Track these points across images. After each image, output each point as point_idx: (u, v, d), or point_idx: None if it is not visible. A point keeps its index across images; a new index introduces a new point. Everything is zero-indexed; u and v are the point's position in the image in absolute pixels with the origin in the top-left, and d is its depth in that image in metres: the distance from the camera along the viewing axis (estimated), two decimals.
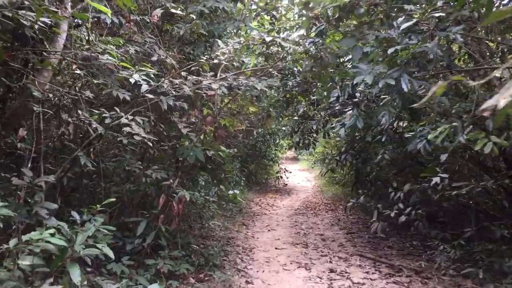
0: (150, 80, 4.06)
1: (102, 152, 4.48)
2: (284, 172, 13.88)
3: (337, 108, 6.89)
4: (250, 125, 6.89)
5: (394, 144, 6.11)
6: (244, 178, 13.01)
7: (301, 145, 9.07)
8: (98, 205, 3.37)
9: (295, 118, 8.07)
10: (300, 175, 19.27)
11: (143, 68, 4.04)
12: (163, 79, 4.16)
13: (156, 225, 4.43)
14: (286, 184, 14.03)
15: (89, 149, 3.94)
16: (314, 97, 8.20)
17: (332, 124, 7.21)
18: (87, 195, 4.74)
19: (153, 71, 4.13)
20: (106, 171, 4.53)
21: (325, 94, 6.73)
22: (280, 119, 9.94)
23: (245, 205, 10.35)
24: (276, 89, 6.33)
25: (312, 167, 17.52)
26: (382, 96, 5.31)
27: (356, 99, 5.47)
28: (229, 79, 4.45)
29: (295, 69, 5.65)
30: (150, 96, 4.18)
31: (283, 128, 10.12)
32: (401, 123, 6.04)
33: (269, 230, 7.61)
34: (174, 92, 4.24)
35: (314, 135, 8.31)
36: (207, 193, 6.32)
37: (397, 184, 6.02)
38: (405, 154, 6.19)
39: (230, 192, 6.25)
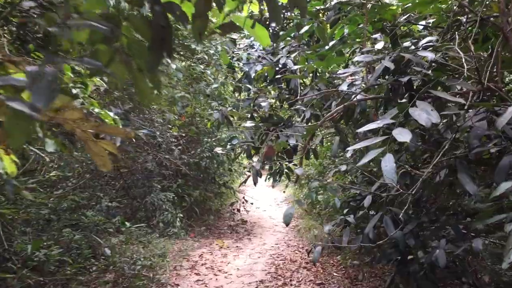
0: None
1: None
2: (243, 203, 9.45)
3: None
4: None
5: None
6: (181, 215, 8.51)
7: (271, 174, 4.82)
8: None
9: (252, 123, 3.71)
10: (267, 194, 14.84)
11: None
12: None
13: None
14: (246, 221, 9.59)
15: None
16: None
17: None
18: None
19: None
20: None
21: None
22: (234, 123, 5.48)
23: (166, 276, 5.87)
24: None
25: (283, 191, 13.18)
26: None
27: None
28: None
29: None
30: None
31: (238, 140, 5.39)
32: None
33: None
34: None
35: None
36: None
37: None
38: None
39: None
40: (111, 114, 2.27)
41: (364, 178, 3.78)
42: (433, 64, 2.50)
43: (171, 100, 5.21)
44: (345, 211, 3.26)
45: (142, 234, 7.32)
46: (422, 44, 2.36)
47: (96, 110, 2.35)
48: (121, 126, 2.39)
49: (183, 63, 5.82)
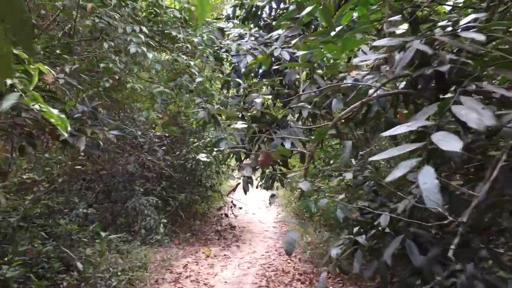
0: None
1: None
2: (231, 207, 8.89)
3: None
4: None
5: None
6: (165, 220, 7.92)
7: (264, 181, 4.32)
8: None
9: (243, 124, 3.17)
10: (256, 195, 14.20)
11: None
12: None
13: None
14: (234, 226, 9.03)
15: None
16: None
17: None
18: None
19: None
20: None
21: None
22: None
23: None
24: None
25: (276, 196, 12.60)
26: None
27: None
28: None
29: None
30: None
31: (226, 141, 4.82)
32: None
33: None
34: None
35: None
36: None
37: None
38: None
39: None
40: (55, 111, 1.70)
41: (372, 188, 3.25)
42: (467, 51, 1.98)
43: (149, 97, 4.63)
44: (354, 230, 2.74)
45: (122, 243, 6.72)
46: (464, 24, 1.85)
47: (37, 106, 1.78)
48: (69, 127, 1.81)
49: (167, 56, 5.21)
